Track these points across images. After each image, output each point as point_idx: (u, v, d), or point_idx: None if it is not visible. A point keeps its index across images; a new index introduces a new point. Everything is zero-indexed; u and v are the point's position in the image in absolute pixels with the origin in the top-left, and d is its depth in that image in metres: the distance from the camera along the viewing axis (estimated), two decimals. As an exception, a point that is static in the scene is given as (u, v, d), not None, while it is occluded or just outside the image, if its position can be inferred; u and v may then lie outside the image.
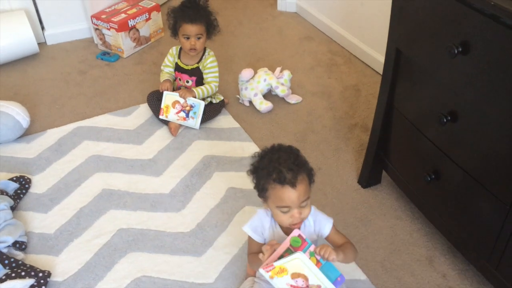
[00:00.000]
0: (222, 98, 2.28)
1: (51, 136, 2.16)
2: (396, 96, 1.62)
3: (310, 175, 1.28)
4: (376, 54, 2.57)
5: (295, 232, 1.24)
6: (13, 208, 1.76)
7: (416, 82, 1.50)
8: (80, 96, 2.44)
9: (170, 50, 2.25)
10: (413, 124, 1.56)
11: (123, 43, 2.71)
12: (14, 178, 1.87)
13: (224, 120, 2.26)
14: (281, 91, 2.36)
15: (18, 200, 1.81)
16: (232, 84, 2.51)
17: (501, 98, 1.18)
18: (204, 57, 2.20)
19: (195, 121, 2.16)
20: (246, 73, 2.34)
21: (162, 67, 2.27)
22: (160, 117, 2.16)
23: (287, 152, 1.27)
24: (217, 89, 2.22)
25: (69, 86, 2.52)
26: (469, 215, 1.41)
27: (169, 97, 2.13)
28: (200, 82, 2.21)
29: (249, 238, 1.37)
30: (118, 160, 2.03)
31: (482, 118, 1.27)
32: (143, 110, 2.31)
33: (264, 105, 2.30)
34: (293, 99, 2.38)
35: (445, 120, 1.36)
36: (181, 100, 2.13)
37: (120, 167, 2.00)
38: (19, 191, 1.84)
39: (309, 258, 1.21)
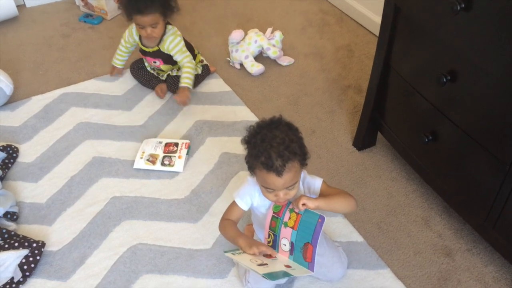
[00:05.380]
0: (204, 63, 2.20)
1: (37, 103, 2.08)
2: (393, 55, 1.58)
3: (303, 159, 1.20)
4: (369, 13, 2.50)
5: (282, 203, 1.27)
6: (1, 178, 1.72)
7: (414, 41, 1.46)
8: (64, 61, 2.35)
9: (130, 28, 2.03)
10: (410, 84, 1.53)
11: (106, 4, 2.60)
12: (1, 147, 1.81)
13: (215, 84, 2.20)
14: (272, 52, 2.30)
15: (6, 170, 1.76)
16: (222, 46, 2.44)
17: (502, 56, 1.15)
18: (162, 39, 1.98)
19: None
20: (236, 34, 2.27)
21: (121, 43, 2.10)
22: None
23: (283, 132, 1.17)
24: (193, 62, 2.04)
25: (52, 51, 2.42)
26: (467, 175, 1.41)
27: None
28: (168, 60, 2.06)
29: (233, 203, 1.33)
30: (108, 127, 1.98)
31: (483, 76, 1.24)
32: (130, 75, 2.24)
33: (255, 68, 2.24)
34: (285, 61, 2.33)
35: (444, 80, 1.33)
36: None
37: (110, 134, 1.94)
38: (6, 161, 1.79)
39: (290, 215, 1.23)
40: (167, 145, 1.85)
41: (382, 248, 1.55)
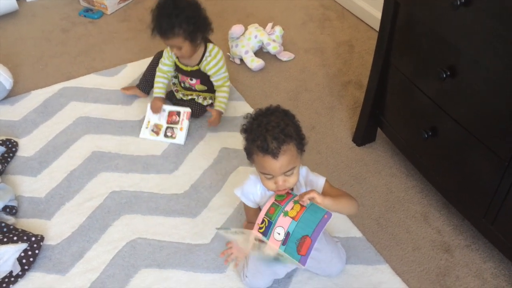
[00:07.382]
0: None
1: (36, 97, 2.08)
2: (393, 51, 1.57)
3: (300, 144, 1.20)
4: (370, 8, 2.49)
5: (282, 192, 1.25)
6: (0, 172, 1.72)
7: (414, 37, 1.45)
8: (64, 55, 2.35)
9: (167, 49, 1.89)
10: (410, 80, 1.52)
11: (106, -2, 2.60)
12: (0, 142, 1.81)
13: (215, 79, 2.20)
14: (272, 48, 2.29)
15: (5, 164, 1.76)
16: (222, 41, 2.43)
17: (502, 52, 1.14)
18: (204, 58, 1.86)
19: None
20: (236, 29, 2.26)
21: (160, 65, 1.95)
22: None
23: (279, 117, 1.19)
24: (229, 85, 1.96)
25: (51, 45, 2.42)
26: (467, 171, 1.40)
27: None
28: (205, 80, 1.94)
29: (244, 204, 1.39)
30: (107, 122, 1.97)
31: (482, 72, 1.24)
32: (130, 70, 2.24)
33: (255, 63, 2.24)
34: (285, 56, 2.32)
35: (444, 75, 1.33)
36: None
37: (109, 129, 1.94)
38: (6, 155, 1.79)
39: (293, 205, 1.21)
40: (170, 114, 1.92)
41: (380, 244, 1.55)
